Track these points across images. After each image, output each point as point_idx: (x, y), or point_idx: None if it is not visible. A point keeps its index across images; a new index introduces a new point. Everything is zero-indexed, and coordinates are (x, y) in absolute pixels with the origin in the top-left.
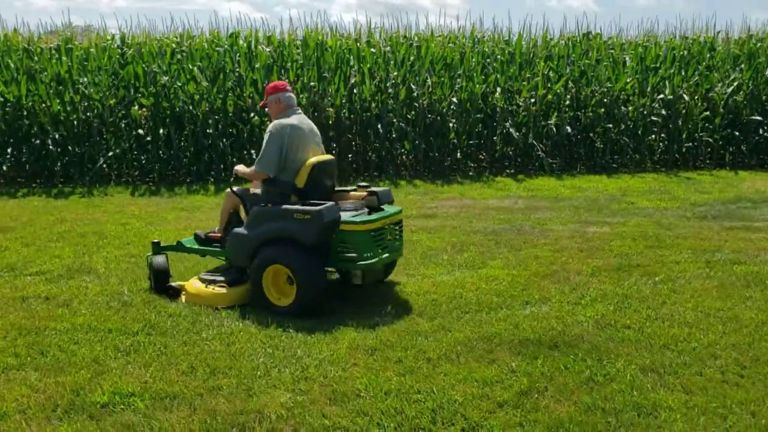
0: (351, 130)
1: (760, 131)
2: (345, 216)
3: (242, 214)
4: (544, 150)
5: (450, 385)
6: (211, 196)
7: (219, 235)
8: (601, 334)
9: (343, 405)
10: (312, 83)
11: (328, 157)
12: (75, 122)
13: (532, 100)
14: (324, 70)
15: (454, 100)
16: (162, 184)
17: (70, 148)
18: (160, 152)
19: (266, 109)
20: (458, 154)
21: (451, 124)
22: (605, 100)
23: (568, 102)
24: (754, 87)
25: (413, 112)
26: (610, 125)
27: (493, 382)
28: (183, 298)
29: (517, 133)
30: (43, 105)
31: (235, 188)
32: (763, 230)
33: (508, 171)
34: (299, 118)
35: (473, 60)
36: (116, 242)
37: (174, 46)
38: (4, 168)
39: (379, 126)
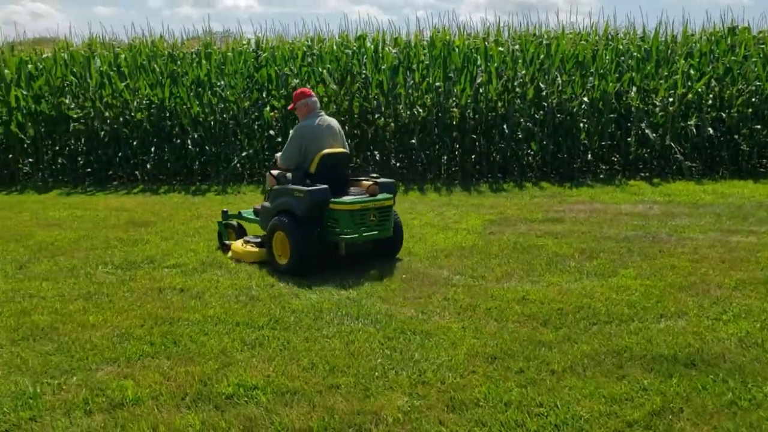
0: (475, 131)
1: None
2: (343, 198)
3: None
4: (683, 152)
5: (575, 399)
6: None
7: None
8: (746, 354)
9: (461, 413)
10: (437, 83)
11: (340, 149)
12: (212, 123)
13: (671, 100)
14: (450, 70)
15: (586, 99)
16: None
17: (207, 147)
18: None
19: (296, 112)
20: (589, 156)
21: (581, 125)
22: (753, 99)
23: (710, 102)
24: None
25: (541, 112)
26: (758, 126)
27: (622, 399)
28: (230, 253)
29: (654, 135)
30: (184, 107)
31: (273, 171)
32: None
33: (642, 174)
34: (320, 119)
35: (606, 58)
36: None
37: (305, 49)
38: (148, 166)
39: (505, 126)
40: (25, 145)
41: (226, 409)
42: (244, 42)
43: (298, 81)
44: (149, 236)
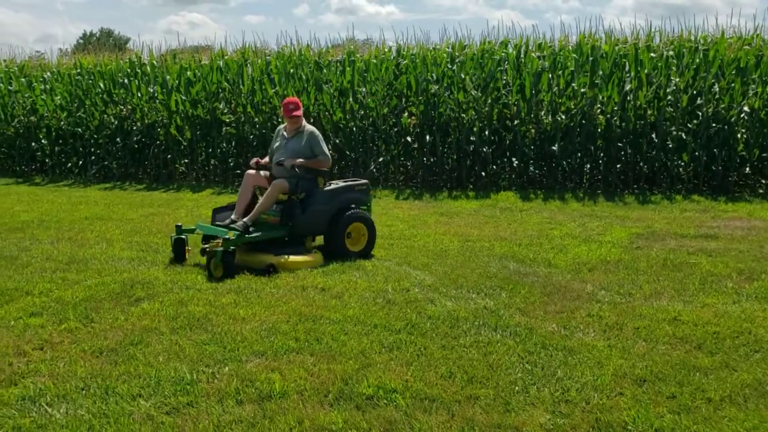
0: (622, 139)
1: None
2: None
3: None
4: None
5: (735, 431)
6: (472, 202)
7: None
8: None
9: None
10: (582, 90)
11: None
12: (353, 129)
13: None
14: (597, 77)
15: (746, 108)
16: (424, 188)
17: (347, 153)
18: (425, 158)
19: (300, 117)
20: (746, 169)
21: (739, 135)
22: None
23: None
24: None
25: (695, 121)
26: None
27: None
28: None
29: None
30: (327, 113)
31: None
32: None
33: None
34: None
35: None
36: (382, 243)
37: (445, 55)
38: None
39: (654, 135)
40: (182, 147)
41: (367, 410)
42: (386, 49)
43: (437, 87)
44: None
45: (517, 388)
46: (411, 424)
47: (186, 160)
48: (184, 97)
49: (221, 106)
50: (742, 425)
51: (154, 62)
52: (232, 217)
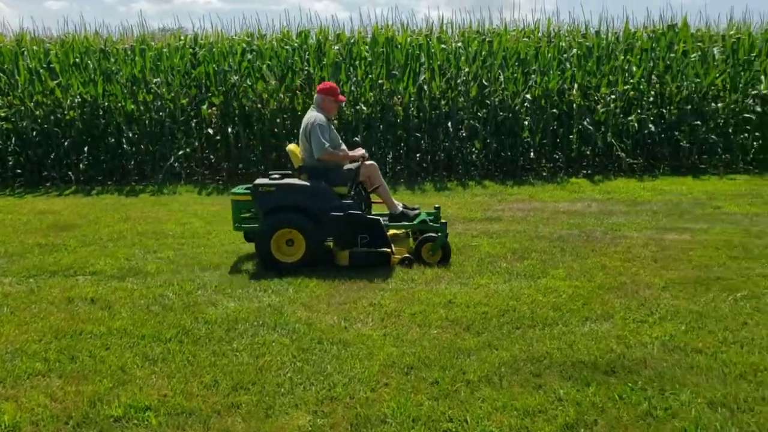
0: (420, 129)
1: None
2: None
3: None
4: (624, 149)
5: (487, 413)
6: None
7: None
8: (668, 358)
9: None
10: (380, 80)
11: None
12: (148, 121)
13: (612, 97)
14: (393, 68)
15: (528, 96)
16: (230, 182)
17: (143, 146)
18: (229, 151)
19: None
20: (532, 154)
21: (524, 123)
22: (693, 96)
23: (651, 99)
24: None
25: (484, 110)
26: (698, 123)
27: (535, 411)
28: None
29: (596, 132)
30: (119, 105)
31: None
32: None
33: (585, 171)
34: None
35: (548, 55)
36: (172, 242)
37: (244, 45)
38: (81, 166)
39: (449, 124)
40: None
41: None
42: (182, 38)
43: (237, 78)
44: (70, 241)
45: (283, 390)
46: None
47: None
48: None
49: None
50: (494, 405)
51: None
52: (401, 208)
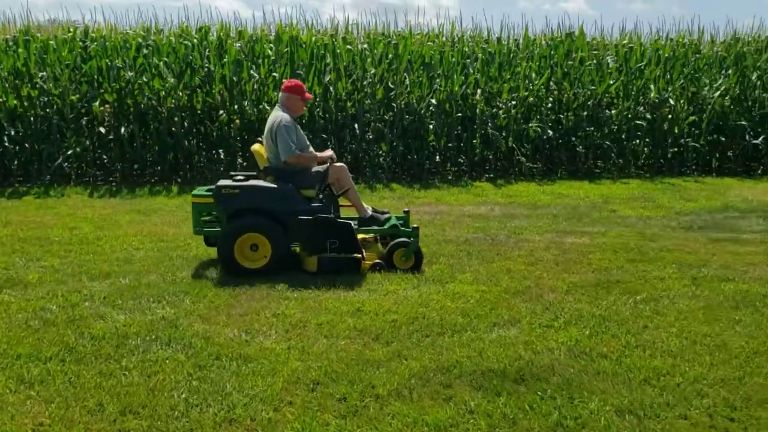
0: (326, 130)
1: (747, 137)
2: None
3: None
4: (525, 154)
5: (397, 430)
6: (174, 198)
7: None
8: (574, 364)
9: None
10: (284, 80)
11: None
12: (33, 118)
13: (513, 103)
14: (297, 67)
15: (433, 101)
16: (124, 184)
17: (27, 145)
18: (123, 151)
19: None
20: (437, 157)
21: (430, 126)
22: (588, 102)
23: (549, 105)
24: (740, 91)
25: (390, 113)
26: (593, 129)
27: (446, 426)
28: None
29: (498, 136)
30: (0, 100)
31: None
32: (751, 243)
33: (488, 175)
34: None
35: (452, 59)
36: (58, 249)
37: (140, 40)
38: None
39: (356, 126)
40: None
41: None
42: (71, 30)
43: (132, 74)
44: None
45: (177, 413)
46: None
47: None
48: None
49: None
50: (404, 420)
51: None
52: (370, 212)
